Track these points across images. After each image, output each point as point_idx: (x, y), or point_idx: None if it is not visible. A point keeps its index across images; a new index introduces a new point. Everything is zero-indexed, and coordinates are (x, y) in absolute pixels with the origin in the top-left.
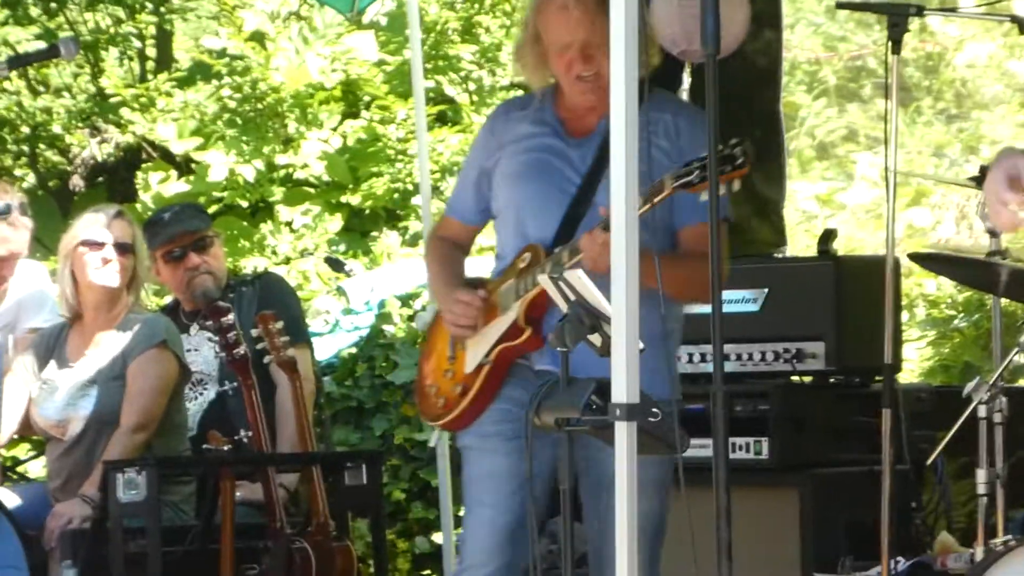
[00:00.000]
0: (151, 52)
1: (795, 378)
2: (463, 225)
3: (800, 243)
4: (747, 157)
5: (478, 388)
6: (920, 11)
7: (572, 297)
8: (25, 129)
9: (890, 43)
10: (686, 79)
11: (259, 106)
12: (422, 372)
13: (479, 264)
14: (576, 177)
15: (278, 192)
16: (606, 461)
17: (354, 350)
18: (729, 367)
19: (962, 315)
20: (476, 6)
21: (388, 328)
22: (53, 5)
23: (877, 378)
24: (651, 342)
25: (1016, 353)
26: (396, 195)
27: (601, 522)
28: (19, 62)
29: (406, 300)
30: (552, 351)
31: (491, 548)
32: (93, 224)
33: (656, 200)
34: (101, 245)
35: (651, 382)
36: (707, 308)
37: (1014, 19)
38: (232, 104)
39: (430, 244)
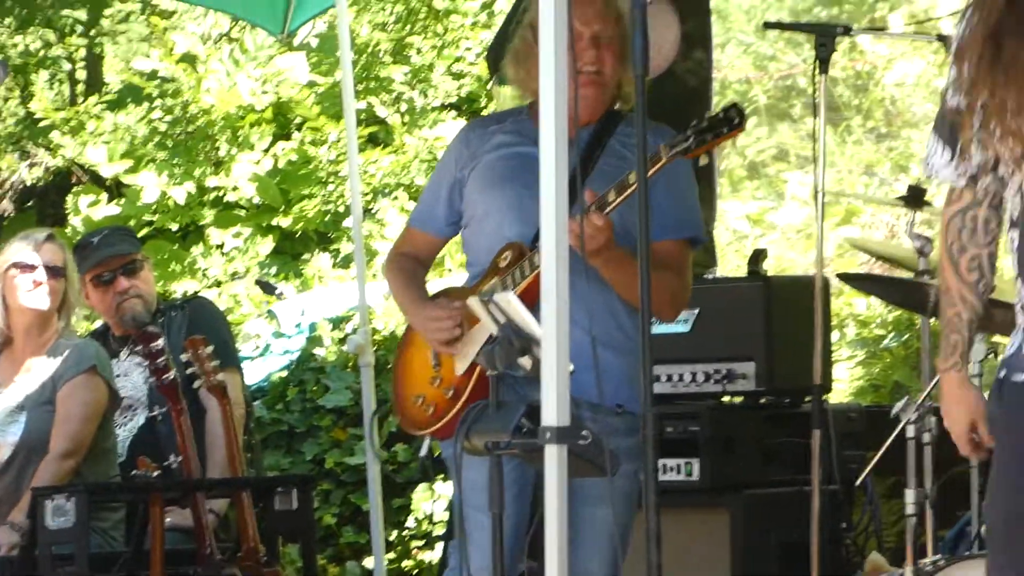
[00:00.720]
0: (81, 75)
1: (726, 399)
2: (430, 237)
3: (731, 263)
4: (742, 118)
5: (472, 388)
6: (848, 31)
7: (502, 320)
8: None
9: (818, 63)
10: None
11: (190, 128)
12: (401, 388)
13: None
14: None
15: (209, 215)
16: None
17: (285, 374)
18: (660, 388)
19: (892, 335)
20: (408, 27)
21: (319, 352)
22: None
23: (807, 398)
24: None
25: None
26: (327, 217)
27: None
28: None
29: (337, 323)
30: None
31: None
32: (24, 248)
33: (654, 170)
34: (32, 268)
35: (626, 393)
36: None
37: (940, 38)
38: (163, 127)
39: (392, 260)
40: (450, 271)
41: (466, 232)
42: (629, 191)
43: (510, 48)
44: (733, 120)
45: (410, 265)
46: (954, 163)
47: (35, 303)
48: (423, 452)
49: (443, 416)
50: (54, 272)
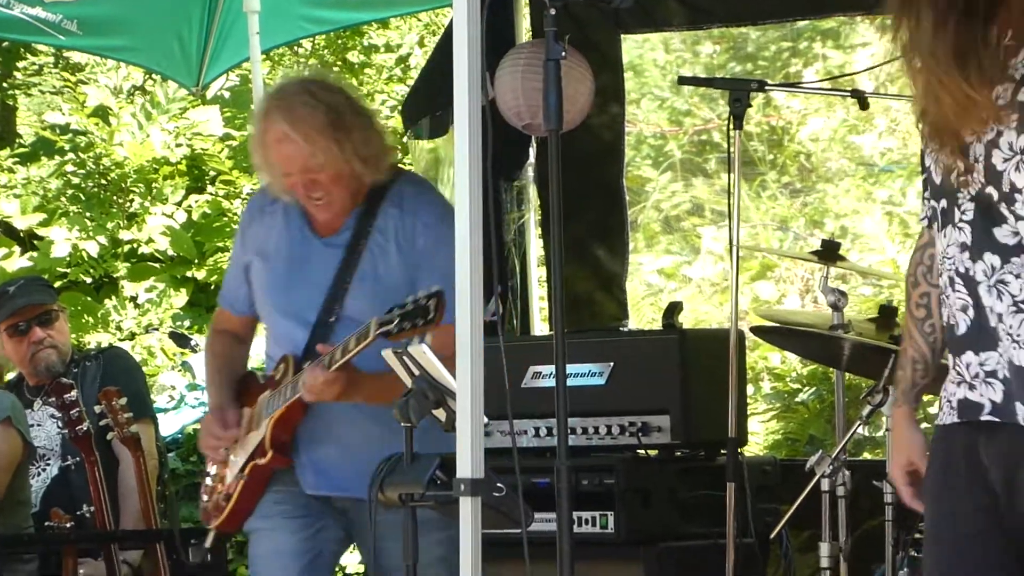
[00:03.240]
0: None
1: (641, 452)
2: (238, 317)
3: (646, 316)
4: (439, 312)
5: (236, 498)
6: (762, 86)
7: (416, 372)
8: None
9: (732, 118)
10: (532, 153)
11: (103, 181)
12: (202, 483)
13: None
14: (325, 280)
15: (123, 267)
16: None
17: (199, 426)
18: (575, 441)
19: (807, 388)
20: None
21: None
22: None
23: (723, 451)
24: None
25: (859, 426)
26: None
27: None
28: None
29: None
30: (316, 471)
31: None
32: None
33: (362, 346)
34: None
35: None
36: (552, 382)
37: (854, 93)
38: (76, 180)
39: (208, 341)
40: None
41: (257, 307)
42: (362, 345)
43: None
44: (429, 314)
45: (224, 347)
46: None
47: None
48: (208, 543)
49: (220, 514)
50: None
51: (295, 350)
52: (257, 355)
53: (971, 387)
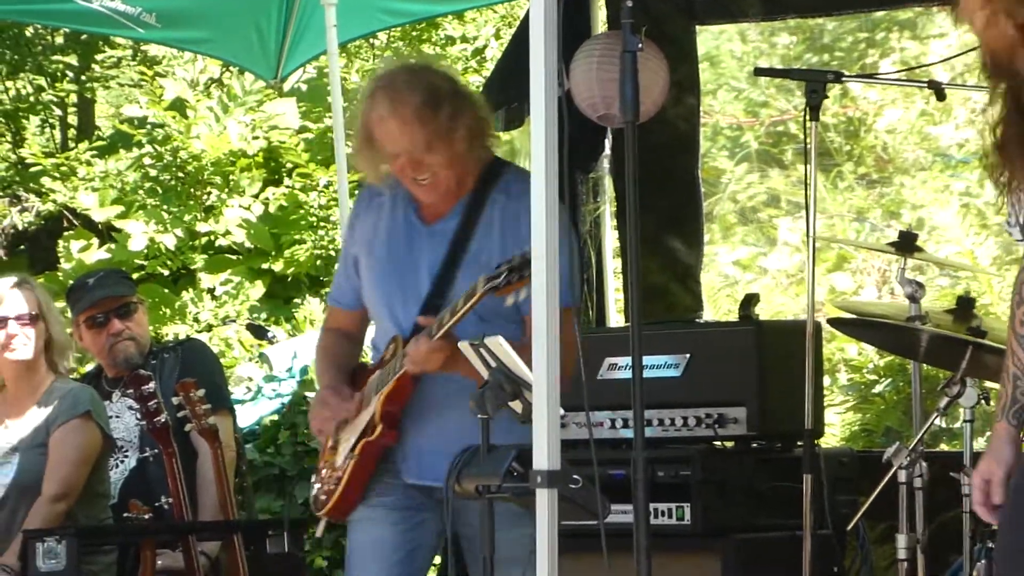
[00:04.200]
0: (73, 120)
1: (717, 443)
2: (347, 312)
3: (722, 308)
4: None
5: (347, 480)
6: (839, 77)
7: (493, 363)
8: None
9: (808, 109)
10: (607, 144)
11: (180, 174)
12: (317, 467)
13: None
14: (432, 267)
15: (200, 260)
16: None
17: (276, 417)
18: (651, 432)
19: (883, 380)
20: None
21: (310, 395)
22: None
23: (799, 443)
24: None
25: (936, 418)
26: (319, 262)
27: None
28: None
29: None
30: (419, 461)
31: None
32: None
33: (471, 303)
34: (3, 322)
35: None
36: (628, 373)
37: (931, 84)
38: (153, 173)
39: (319, 339)
40: None
41: (370, 312)
42: (471, 303)
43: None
44: (524, 271)
45: (334, 344)
46: (1014, 221)
47: (16, 356)
48: (319, 533)
49: (330, 500)
50: (28, 319)
51: (403, 333)
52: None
53: None
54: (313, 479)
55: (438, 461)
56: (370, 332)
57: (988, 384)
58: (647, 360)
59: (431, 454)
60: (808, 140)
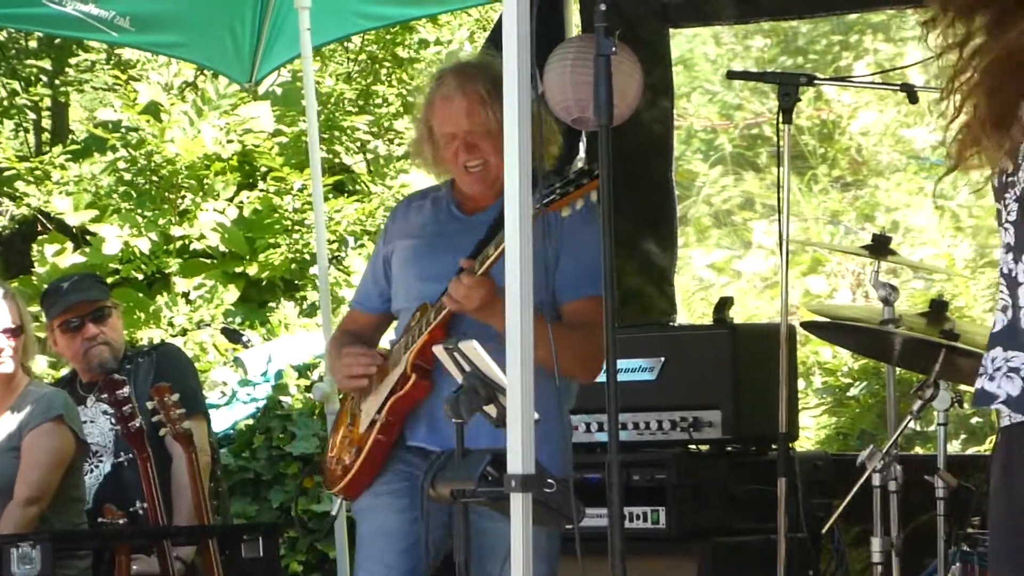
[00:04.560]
0: (47, 124)
1: (692, 447)
2: (368, 316)
3: (696, 311)
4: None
5: (371, 445)
6: (811, 80)
7: (467, 368)
8: None
9: (782, 112)
10: (582, 148)
11: (154, 178)
12: (328, 451)
13: None
14: (470, 248)
15: (174, 264)
16: (493, 532)
17: (251, 421)
18: (626, 436)
19: (858, 383)
20: (371, 77)
21: (285, 399)
22: None
23: (773, 446)
24: (544, 416)
25: (909, 421)
26: (293, 266)
27: None
28: None
29: (303, 371)
30: (427, 425)
31: None
32: None
33: (495, 253)
34: None
35: (542, 455)
36: (603, 377)
37: (904, 87)
38: (127, 177)
39: (334, 338)
40: None
41: (393, 307)
42: (488, 265)
43: (412, 140)
44: (595, 172)
45: (347, 339)
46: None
47: (1, 369)
48: (334, 511)
49: (348, 472)
50: (12, 332)
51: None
52: None
53: (991, 379)
54: (327, 454)
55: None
56: (387, 335)
57: (962, 387)
58: (622, 364)
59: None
60: (782, 143)
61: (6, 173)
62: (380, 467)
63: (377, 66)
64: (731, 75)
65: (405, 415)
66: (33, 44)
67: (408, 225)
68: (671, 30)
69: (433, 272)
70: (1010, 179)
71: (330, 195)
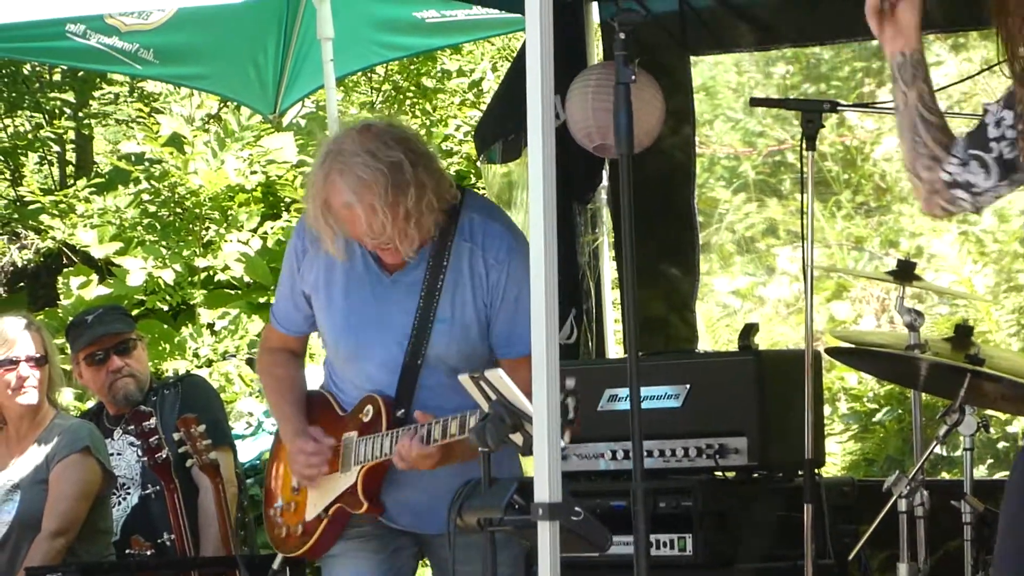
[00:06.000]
0: (71, 157)
1: (718, 474)
2: (293, 336)
3: (721, 338)
4: (576, 412)
5: (317, 538)
6: (835, 107)
7: (493, 396)
8: None
9: (805, 139)
10: (604, 175)
11: (178, 210)
12: (268, 489)
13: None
14: (405, 323)
15: (199, 295)
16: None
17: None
18: (651, 463)
19: (884, 408)
20: (395, 106)
21: None
22: None
23: (800, 473)
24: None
25: (935, 446)
26: None
27: None
28: None
29: None
30: (409, 510)
31: None
32: (3, 343)
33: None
34: (15, 364)
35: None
36: (628, 404)
37: None
38: (151, 209)
39: (261, 359)
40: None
41: (323, 338)
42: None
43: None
44: (567, 415)
45: (282, 366)
46: None
47: (24, 400)
48: (275, 565)
49: (296, 547)
50: (37, 362)
51: (381, 392)
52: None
53: None
54: (271, 513)
55: (423, 511)
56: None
57: (988, 412)
58: (647, 391)
59: (416, 507)
60: (805, 169)
61: (31, 207)
62: (330, 547)
63: (401, 96)
64: (754, 102)
65: (350, 518)
66: (57, 77)
67: (322, 274)
68: (692, 58)
69: (371, 350)
70: None
71: None
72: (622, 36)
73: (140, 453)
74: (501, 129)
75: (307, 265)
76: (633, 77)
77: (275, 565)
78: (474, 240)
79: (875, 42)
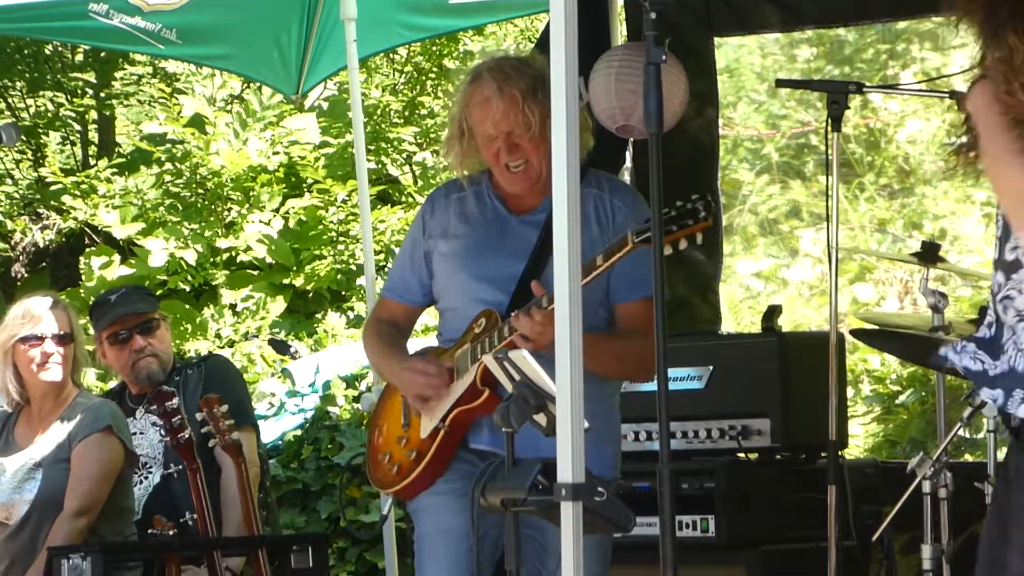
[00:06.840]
0: (93, 137)
1: (741, 455)
2: (403, 305)
3: (744, 319)
4: (708, 211)
5: (433, 452)
6: (860, 88)
7: (517, 377)
8: None
9: (830, 120)
10: (628, 157)
11: (200, 191)
12: (373, 442)
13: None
14: (526, 249)
15: (221, 275)
16: (552, 530)
17: (299, 432)
18: (675, 445)
19: (907, 390)
20: (417, 88)
21: (333, 410)
22: None
23: (823, 454)
24: (592, 422)
25: (959, 428)
26: (339, 276)
27: None
28: None
29: (351, 381)
30: (489, 429)
31: None
32: (30, 319)
33: (619, 255)
34: (40, 340)
35: (592, 458)
36: (652, 386)
37: (953, 95)
38: (174, 189)
39: (370, 326)
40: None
41: (440, 304)
42: (618, 256)
43: (444, 137)
44: (699, 213)
45: (388, 330)
46: None
47: (48, 376)
48: (384, 511)
49: (406, 477)
50: (62, 340)
51: (497, 309)
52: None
53: None
54: (372, 455)
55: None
56: (422, 321)
57: None
58: (670, 373)
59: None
60: (829, 151)
61: (53, 187)
62: (442, 471)
63: (423, 77)
64: (780, 83)
65: (467, 427)
66: (79, 57)
67: (450, 220)
68: (716, 39)
69: (487, 273)
70: None
71: (376, 205)
72: (652, 16)
73: (163, 433)
74: None
75: (433, 223)
76: (664, 57)
77: (384, 509)
78: (600, 187)
79: (900, 24)
